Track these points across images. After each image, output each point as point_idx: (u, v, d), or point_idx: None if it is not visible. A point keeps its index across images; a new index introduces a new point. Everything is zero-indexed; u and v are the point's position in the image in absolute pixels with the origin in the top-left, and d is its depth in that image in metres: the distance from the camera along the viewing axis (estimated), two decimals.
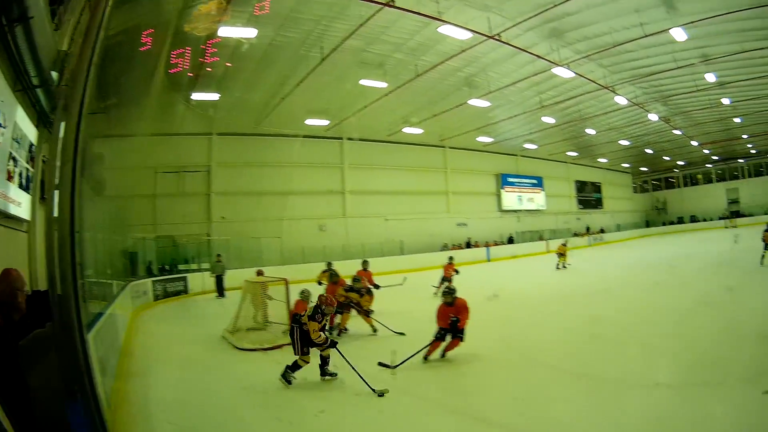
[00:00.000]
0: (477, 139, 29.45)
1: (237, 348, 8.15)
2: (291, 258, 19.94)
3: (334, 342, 6.13)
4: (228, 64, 14.58)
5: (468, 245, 28.05)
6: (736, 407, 4.40)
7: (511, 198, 33.54)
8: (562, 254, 19.65)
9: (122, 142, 13.55)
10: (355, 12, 13.48)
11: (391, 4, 12.55)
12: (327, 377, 6.01)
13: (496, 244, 29.52)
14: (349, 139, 24.83)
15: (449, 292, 6.86)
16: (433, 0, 13.56)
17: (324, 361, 6.07)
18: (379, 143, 25.97)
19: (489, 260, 26.60)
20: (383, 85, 18.44)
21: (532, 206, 35.40)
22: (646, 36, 17.52)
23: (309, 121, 21.70)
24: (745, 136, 39.55)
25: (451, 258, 14.17)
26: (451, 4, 14.07)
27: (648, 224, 50.34)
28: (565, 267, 19.28)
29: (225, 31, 12.11)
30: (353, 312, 9.57)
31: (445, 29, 14.58)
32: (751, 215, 44.81)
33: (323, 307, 6.72)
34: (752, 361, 5.65)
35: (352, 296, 9.48)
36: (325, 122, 22.29)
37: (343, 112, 21.49)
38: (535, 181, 35.73)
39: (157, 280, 15.75)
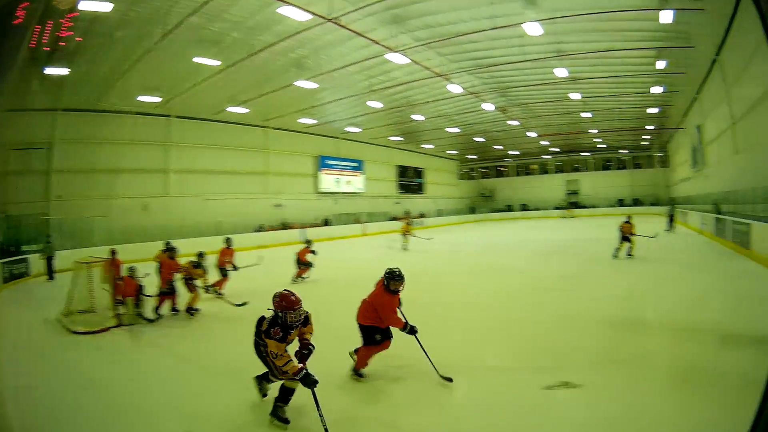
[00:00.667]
0: (299, 120, 36.90)
1: (71, 331, 10.08)
2: (118, 238, 23.93)
3: (312, 380, 4.96)
4: (78, 39, 17.59)
5: (284, 227, 35.75)
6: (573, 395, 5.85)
7: (329, 180, 42.66)
8: (406, 234, 26.13)
9: None
10: None
11: None
12: (276, 420, 5.32)
13: (312, 226, 37.27)
14: (178, 117, 30.76)
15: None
16: None
17: (284, 394, 5.42)
18: (204, 122, 32.36)
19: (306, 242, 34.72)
20: (216, 63, 22.91)
21: (350, 189, 45.01)
22: (496, 28, 22.24)
23: (142, 98, 26.58)
24: (593, 131, 51.26)
25: (308, 242, 17.13)
26: None
27: (473, 211, 64.44)
28: (406, 249, 25.37)
29: (84, 5, 15.10)
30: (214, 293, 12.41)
31: (284, 10, 18.03)
32: (593, 207, 61.49)
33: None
34: (595, 348, 7.55)
35: (197, 273, 11.74)
36: (157, 99, 27.22)
37: (175, 89, 26.25)
38: (355, 164, 45.39)
39: (5, 261, 18.56)
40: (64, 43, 16.66)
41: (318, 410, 4.88)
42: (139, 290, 11.14)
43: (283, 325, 5.29)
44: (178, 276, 11.73)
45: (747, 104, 21.24)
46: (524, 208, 67.11)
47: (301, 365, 5.14)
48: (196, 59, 22.28)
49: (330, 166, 43.87)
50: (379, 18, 21.53)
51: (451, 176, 68.44)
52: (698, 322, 8.81)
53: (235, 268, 13.96)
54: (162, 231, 26.39)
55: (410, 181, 56.89)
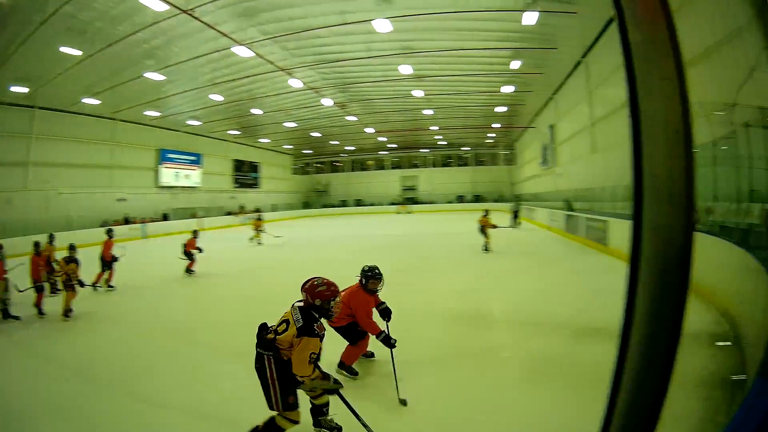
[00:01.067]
0: (144, 112, 40.04)
1: None
2: None
3: (337, 385, 5.09)
4: None
5: (126, 221, 38.99)
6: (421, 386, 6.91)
7: (168, 174, 46.32)
8: (258, 230, 28.88)
9: None
10: None
11: None
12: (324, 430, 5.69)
13: (153, 221, 40.91)
14: (41, 108, 33.75)
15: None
16: None
17: (318, 410, 5.69)
18: (61, 113, 35.77)
19: (145, 237, 38.12)
20: (78, 53, 25.35)
21: (188, 183, 48.98)
22: (345, 24, 25.24)
23: (13, 88, 29.38)
24: (434, 128, 57.06)
25: (195, 232, 19.37)
26: None
27: (307, 206, 70.35)
28: (260, 243, 27.98)
29: None
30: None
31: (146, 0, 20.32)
32: (432, 203, 68.60)
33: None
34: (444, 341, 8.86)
35: (70, 269, 12.53)
36: (25, 89, 29.86)
37: (41, 79, 28.83)
38: (194, 158, 49.44)
39: None
40: None
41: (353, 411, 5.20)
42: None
43: (325, 316, 5.21)
44: (50, 274, 13.43)
45: (609, 106, 25.01)
46: (359, 203, 74.09)
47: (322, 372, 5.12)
48: (62, 48, 24.68)
49: (170, 160, 47.44)
50: (232, 10, 24.13)
51: (286, 171, 73.92)
52: (552, 315, 10.14)
53: (115, 259, 15.63)
54: (21, 226, 29.93)
55: (245, 175, 61.61)
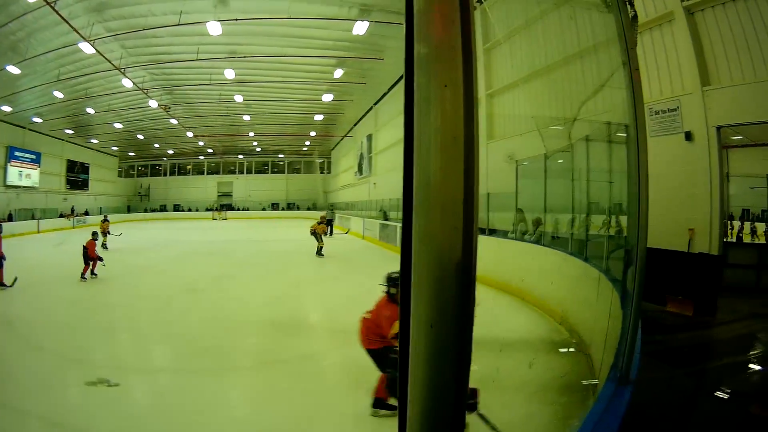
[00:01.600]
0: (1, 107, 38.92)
1: None
2: None
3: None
4: None
5: None
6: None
7: (14, 173, 45.39)
8: (105, 232, 26.98)
9: None
10: None
11: None
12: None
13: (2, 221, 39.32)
14: None
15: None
16: None
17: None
18: None
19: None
20: None
21: (28, 183, 47.82)
22: (180, 25, 25.17)
23: None
24: (251, 134, 58.03)
25: (95, 234, 18.67)
26: None
27: (129, 209, 69.75)
28: (105, 247, 26.12)
29: None
30: None
31: None
32: (247, 209, 69.62)
33: None
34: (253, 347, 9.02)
35: None
36: None
37: None
38: (33, 157, 48.50)
39: None
40: None
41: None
42: None
43: None
44: None
45: None
46: (177, 208, 74.37)
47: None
48: None
49: (17, 158, 46.32)
50: (86, 4, 24.27)
51: (113, 173, 72.36)
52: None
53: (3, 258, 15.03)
54: None
55: (76, 176, 60.17)
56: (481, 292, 3.41)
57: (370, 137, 42.38)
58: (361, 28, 24.82)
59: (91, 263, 17.01)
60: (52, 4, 22.55)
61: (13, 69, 30.38)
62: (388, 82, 34.85)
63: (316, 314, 12.21)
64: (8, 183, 45.67)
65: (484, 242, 14.77)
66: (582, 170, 10.96)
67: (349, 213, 44.70)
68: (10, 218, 43.00)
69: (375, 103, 40.57)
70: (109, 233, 27.20)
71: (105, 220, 29.06)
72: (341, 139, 59.48)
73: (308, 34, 27.84)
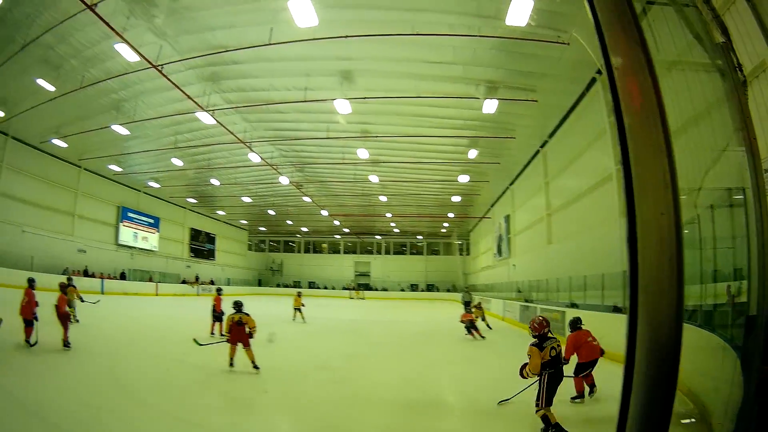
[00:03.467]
0: (108, 166, 39.33)
1: None
2: None
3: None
4: None
5: (86, 273, 37.63)
6: None
7: (127, 233, 45.55)
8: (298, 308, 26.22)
9: None
10: (64, 6, 18.35)
11: (92, 8, 17.34)
12: None
13: (111, 278, 39.71)
14: (14, 138, 32.76)
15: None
16: (125, 15, 18.86)
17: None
18: (31, 148, 34.34)
19: (103, 293, 36.21)
20: (52, 88, 24.44)
21: (146, 245, 48.15)
22: (306, 101, 25.11)
23: None
24: (389, 215, 57.03)
25: (220, 290, 19.31)
26: (139, 23, 19.65)
27: (260, 283, 69.91)
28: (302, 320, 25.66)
29: None
30: None
31: (119, 47, 20.13)
32: (384, 290, 68.13)
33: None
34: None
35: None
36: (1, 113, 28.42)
37: (18, 107, 27.70)
38: (152, 221, 48.79)
39: None
40: None
41: None
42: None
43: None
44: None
45: (566, 197, 24.82)
46: (312, 285, 72.93)
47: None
48: (38, 80, 23.96)
49: (130, 219, 46.73)
50: (199, 73, 24.43)
51: (242, 246, 73.41)
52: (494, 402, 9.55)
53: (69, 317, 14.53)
54: None
55: (202, 245, 61.00)
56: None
57: (507, 218, 40.15)
58: (490, 106, 23.79)
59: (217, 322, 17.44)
60: (159, 68, 21.96)
61: (119, 129, 30.09)
62: (521, 161, 33.07)
63: (452, 396, 11.28)
64: (120, 242, 46.05)
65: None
66: (707, 239, 9.65)
67: (488, 295, 41.80)
68: (122, 276, 43.48)
69: (510, 183, 38.49)
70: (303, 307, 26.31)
71: (298, 294, 27.93)
72: (479, 221, 58.02)
73: (439, 113, 27.09)
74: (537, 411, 7.46)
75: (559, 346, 7.93)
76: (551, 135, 27.03)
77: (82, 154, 37.68)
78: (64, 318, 13.89)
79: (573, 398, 9.61)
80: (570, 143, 24.36)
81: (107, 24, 18.46)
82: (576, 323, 10.27)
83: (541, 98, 23.32)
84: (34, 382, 9.58)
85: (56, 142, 33.68)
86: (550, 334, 7.95)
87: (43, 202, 36.48)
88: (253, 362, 12.00)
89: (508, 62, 21.43)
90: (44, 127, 31.62)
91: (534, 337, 7.92)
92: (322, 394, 10.63)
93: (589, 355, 9.75)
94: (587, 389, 9.83)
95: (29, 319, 13.00)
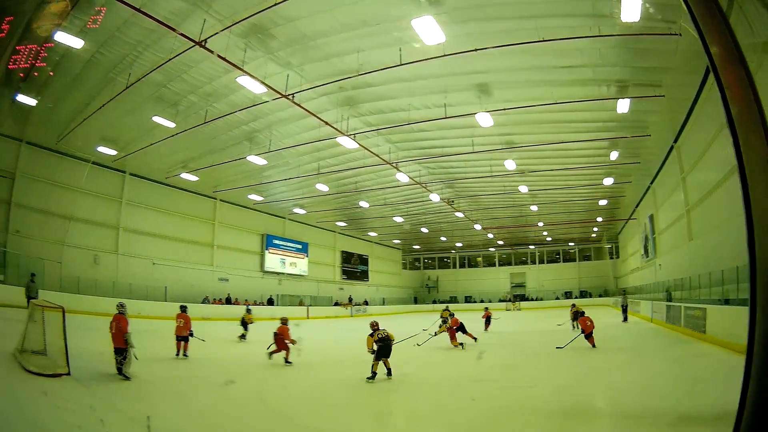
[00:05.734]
0: (248, 196, 40.70)
1: (25, 369, 11.24)
2: (68, 286, 27.11)
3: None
4: (51, 73, 19.91)
5: (228, 301, 39.14)
6: None
7: (274, 260, 47.12)
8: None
9: None
10: (168, 45, 18.85)
11: (202, 44, 17.96)
12: None
13: (256, 304, 40.81)
14: (132, 174, 34.42)
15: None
16: (241, 48, 19.27)
17: None
18: (156, 184, 35.89)
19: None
20: (172, 125, 25.16)
21: (295, 271, 49.64)
22: (447, 118, 24.90)
23: (100, 149, 28.94)
24: (540, 224, 56.31)
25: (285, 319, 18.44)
26: (257, 55, 20.11)
27: (416, 301, 70.43)
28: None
29: (60, 37, 16.59)
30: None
31: (242, 80, 20.41)
32: (540, 299, 67.07)
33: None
34: None
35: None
36: (113, 152, 29.67)
37: (132, 145, 28.88)
38: (299, 246, 50.32)
39: None
40: (36, 74, 18.94)
41: None
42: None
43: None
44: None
45: (703, 190, 23.87)
46: (468, 299, 72.75)
47: None
48: (154, 118, 24.81)
49: (276, 246, 48.45)
50: (333, 99, 24.53)
51: (396, 265, 74.34)
52: (651, 407, 9.51)
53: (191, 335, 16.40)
54: (111, 288, 30.62)
55: (354, 267, 62.05)
56: None
57: (651, 217, 38.60)
58: (623, 106, 23.32)
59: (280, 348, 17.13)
60: (290, 97, 22.32)
61: (256, 159, 30.90)
62: (658, 159, 31.62)
63: (601, 402, 11.28)
64: (267, 269, 47.60)
65: None
66: None
67: (637, 297, 41.27)
68: (270, 302, 44.43)
69: (651, 182, 36.75)
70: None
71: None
72: (626, 222, 55.01)
73: (577, 117, 26.78)
74: None
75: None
76: (682, 129, 25.80)
77: (216, 186, 39.39)
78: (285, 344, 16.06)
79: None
80: (700, 135, 23.19)
81: (223, 58, 19.03)
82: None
83: (667, 92, 22.30)
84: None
85: (185, 176, 35.12)
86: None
87: (174, 234, 38.49)
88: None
89: (631, 59, 20.85)
90: (169, 162, 33.26)
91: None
92: (481, 405, 10.68)
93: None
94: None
95: (185, 335, 16.10)
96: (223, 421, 9.13)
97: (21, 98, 21.18)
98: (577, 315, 22.83)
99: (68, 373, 11.05)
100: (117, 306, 12.81)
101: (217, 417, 9.39)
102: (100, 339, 12.93)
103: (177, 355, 15.70)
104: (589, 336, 18.96)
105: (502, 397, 11.31)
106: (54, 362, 11.60)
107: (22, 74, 17.83)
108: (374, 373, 12.26)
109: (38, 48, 15.49)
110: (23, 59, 14.98)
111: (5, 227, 26.90)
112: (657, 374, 13.23)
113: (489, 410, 10.15)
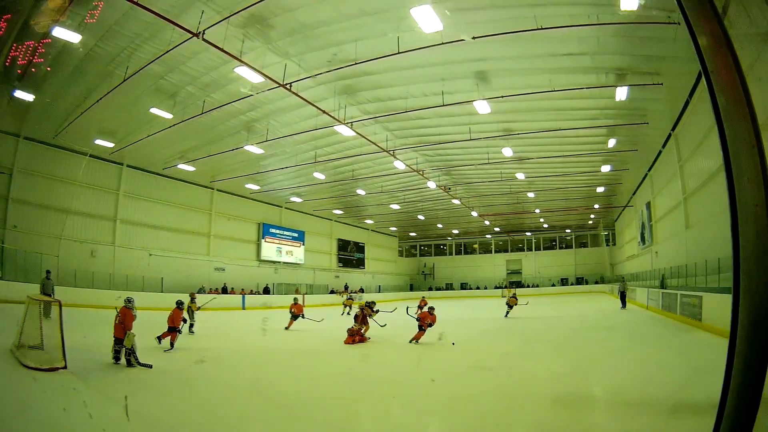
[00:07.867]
0: (245, 185, 40.80)
1: (22, 365, 11.16)
2: (65, 279, 26.91)
3: None
4: (48, 69, 19.72)
5: (224, 290, 39.19)
6: None
7: (270, 249, 47.19)
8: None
9: None
10: (166, 36, 18.79)
11: (199, 35, 17.93)
12: None
13: (252, 293, 41.08)
14: (129, 166, 34.43)
15: None
16: (239, 39, 19.17)
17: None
18: (153, 175, 35.84)
19: (244, 308, 38.19)
20: (169, 116, 25.26)
21: (291, 259, 49.73)
22: (445, 105, 25.08)
23: (98, 141, 29.01)
24: (537, 211, 56.71)
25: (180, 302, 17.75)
26: (255, 46, 20.00)
27: (412, 288, 70.14)
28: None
29: (58, 32, 16.57)
30: None
31: (240, 70, 20.49)
32: (536, 286, 66.73)
33: None
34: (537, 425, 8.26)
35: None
36: (110, 144, 29.75)
37: (129, 137, 28.98)
38: (296, 235, 50.31)
39: None
40: (34, 69, 18.68)
41: None
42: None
43: None
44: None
45: (701, 178, 24.20)
46: (464, 286, 73.27)
47: None
48: (152, 110, 24.95)
49: (272, 235, 48.53)
50: (330, 87, 24.57)
51: (392, 252, 74.67)
52: (649, 395, 9.60)
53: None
54: (108, 280, 30.84)
55: (350, 255, 62.27)
56: None
57: (648, 205, 38.84)
58: (622, 93, 23.43)
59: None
60: (287, 87, 22.49)
61: (253, 149, 30.97)
62: (656, 146, 31.62)
63: (599, 389, 11.25)
64: (263, 258, 47.71)
65: None
66: None
67: (633, 284, 41.33)
68: (266, 291, 44.93)
69: (648, 169, 36.95)
70: (302, 316, 24.25)
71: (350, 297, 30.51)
72: (622, 210, 55.39)
73: (575, 105, 26.89)
74: None
75: None
76: (680, 117, 25.87)
77: (213, 176, 39.65)
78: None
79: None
80: (698, 123, 23.37)
81: (220, 49, 19.03)
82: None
83: (666, 81, 22.32)
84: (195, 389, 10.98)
85: (182, 166, 35.44)
86: None
87: (171, 225, 38.70)
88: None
89: (630, 48, 20.90)
90: (166, 153, 33.35)
91: None
92: (482, 392, 10.72)
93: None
94: None
95: (176, 326, 15.75)
96: (225, 412, 9.20)
97: (19, 94, 21.22)
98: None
99: (65, 367, 11.07)
100: (125, 300, 12.97)
101: (218, 408, 9.48)
102: (98, 331, 13.44)
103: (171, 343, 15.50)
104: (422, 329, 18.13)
105: (499, 385, 11.44)
106: (51, 356, 11.59)
107: (20, 71, 17.97)
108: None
109: (36, 44, 15.90)
110: (21, 56, 15.42)
111: (3, 223, 27.05)
112: (657, 362, 13.30)
113: (496, 396, 10.28)
